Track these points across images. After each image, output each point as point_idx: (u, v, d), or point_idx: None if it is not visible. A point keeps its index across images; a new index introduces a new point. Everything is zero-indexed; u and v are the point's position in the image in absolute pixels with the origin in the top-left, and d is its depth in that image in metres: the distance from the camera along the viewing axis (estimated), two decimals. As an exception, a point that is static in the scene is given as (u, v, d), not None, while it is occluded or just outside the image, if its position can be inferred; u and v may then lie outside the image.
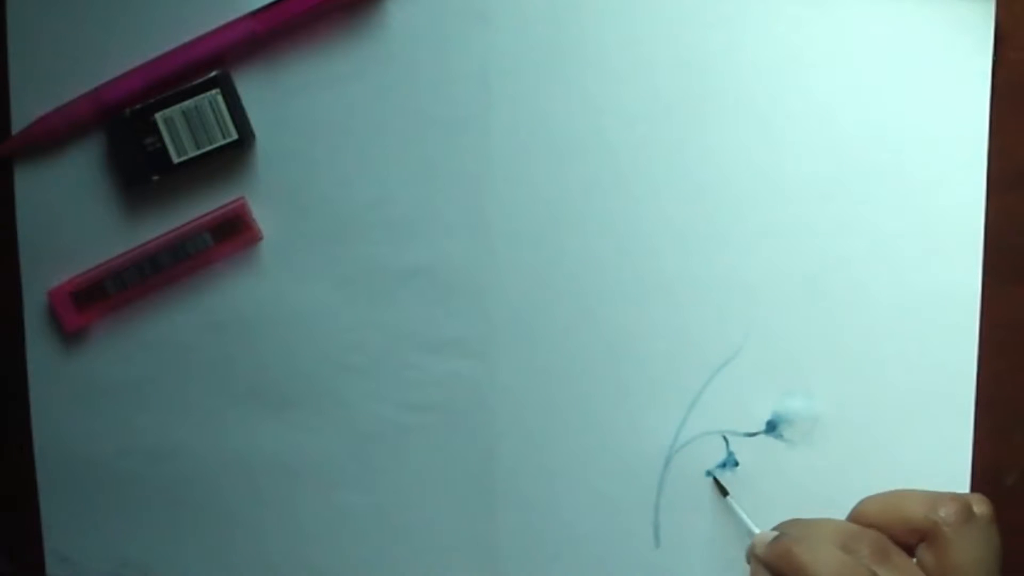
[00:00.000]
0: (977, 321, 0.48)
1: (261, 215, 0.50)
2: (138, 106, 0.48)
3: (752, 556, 0.43)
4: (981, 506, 0.41)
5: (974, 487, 0.48)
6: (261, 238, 0.50)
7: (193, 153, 0.48)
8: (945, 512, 0.40)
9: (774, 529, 0.44)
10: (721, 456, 0.49)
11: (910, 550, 0.41)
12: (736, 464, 0.49)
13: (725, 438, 0.49)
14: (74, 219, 0.50)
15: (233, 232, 0.49)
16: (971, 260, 0.48)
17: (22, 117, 0.49)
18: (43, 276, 0.50)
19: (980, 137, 0.48)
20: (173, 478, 0.51)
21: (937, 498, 0.41)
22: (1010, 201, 0.48)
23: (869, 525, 0.42)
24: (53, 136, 0.49)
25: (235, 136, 0.48)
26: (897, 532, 0.41)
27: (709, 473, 0.49)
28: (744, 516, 0.47)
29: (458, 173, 0.49)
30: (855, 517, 0.43)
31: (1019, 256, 0.48)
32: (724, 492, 0.49)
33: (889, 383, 0.48)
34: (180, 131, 0.48)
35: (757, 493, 0.49)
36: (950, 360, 0.48)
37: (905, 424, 0.48)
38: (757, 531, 0.45)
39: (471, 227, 0.49)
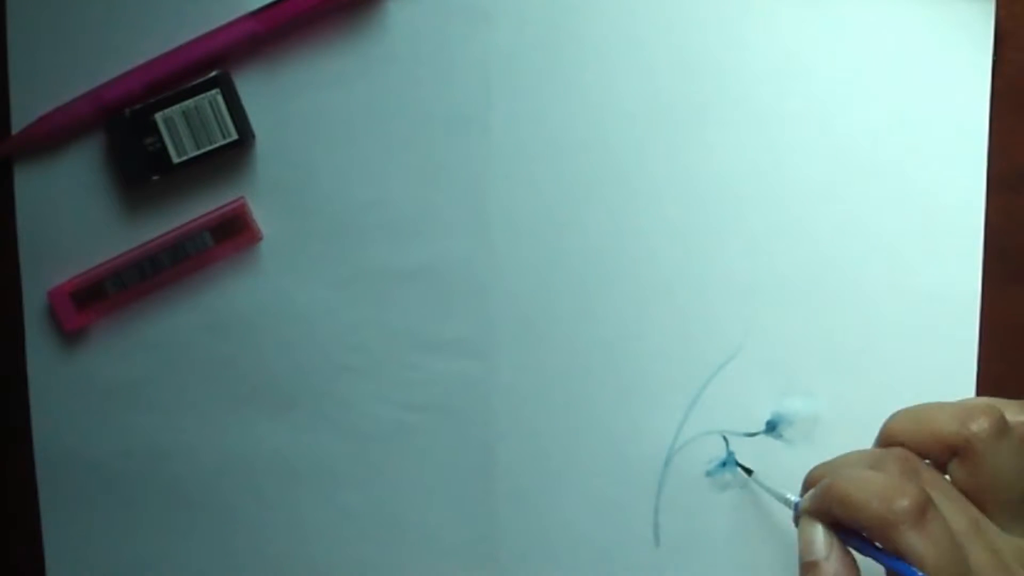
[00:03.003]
0: (977, 321, 0.48)
1: (261, 215, 0.50)
2: (138, 106, 0.48)
3: (800, 517, 0.41)
4: (1017, 414, 0.39)
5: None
6: (261, 238, 0.50)
7: (193, 153, 0.48)
8: (978, 427, 0.38)
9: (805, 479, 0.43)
10: (721, 456, 0.49)
11: (942, 466, 0.40)
12: (736, 464, 0.49)
13: (725, 438, 0.49)
14: (74, 219, 0.50)
15: (233, 232, 0.49)
16: (971, 260, 0.48)
17: (22, 117, 0.49)
18: (43, 276, 0.50)
19: (980, 137, 0.48)
20: (173, 478, 0.51)
21: (969, 411, 0.39)
22: (1010, 201, 0.48)
23: (898, 444, 0.40)
24: (53, 136, 0.49)
25: (235, 136, 0.48)
26: (928, 449, 0.39)
27: (729, 455, 0.49)
28: (774, 489, 0.46)
29: (458, 173, 0.49)
30: (884, 437, 0.41)
31: (1019, 256, 0.48)
32: (748, 472, 0.48)
33: (889, 383, 0.48)
34: (180, 131, 0.48)
35: (757, 493, 0.49)
36: (950, 360, 0.48)
37: (905, 424, 0.49)
38: (789, 493, 0.44)
39: (471, 227, 0.49)
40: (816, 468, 0.43)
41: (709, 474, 0.49)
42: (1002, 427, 0.38)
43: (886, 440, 0.41)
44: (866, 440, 0.48)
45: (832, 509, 0.38)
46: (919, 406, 0.41)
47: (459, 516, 0.50)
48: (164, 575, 0.52)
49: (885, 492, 0.37)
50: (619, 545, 0.50)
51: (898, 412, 0.42)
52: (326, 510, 0.51)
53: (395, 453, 0.51)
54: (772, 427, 0.49)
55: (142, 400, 0.51)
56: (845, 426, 0.49)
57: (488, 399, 0.50)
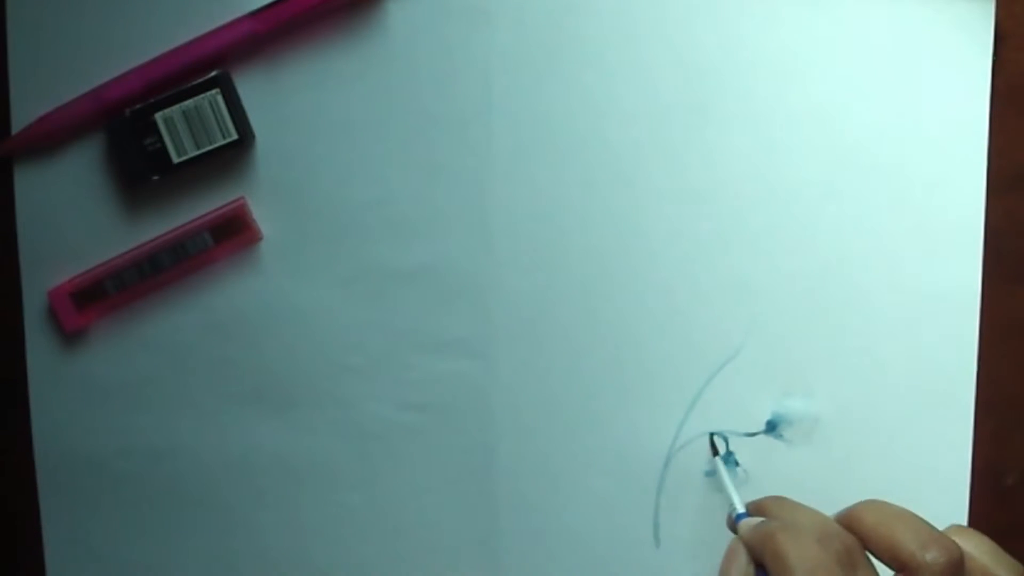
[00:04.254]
0: (977, 321, 0.48)
1: (261, 215, 0.50)
2: (138, 106, 0.48)
3: (736, 533, 0.43)
4: (983, 555, 0.39)
5: (974, 487, 0.48)
6: (261, 238, 0.50)
7: (193, 153, 0.48)
8: (932, 558, 0.37)
9: (761, 499, 0.44)
10: (721, 456, 0.49)
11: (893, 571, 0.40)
12: (736, 464, 0.49)
13: (725, 438, 0.49)
14: (74, 219, 0.50)
15: (233, 232, 0.49)
16: (971, 260, 0.48)
17: (22, 117, 0.49)
18: (43, 276, 0.50)
19: (980, 137, 0.48)
20: (173, 478, 0.51)
21: (932, 539, 0.38)
22: (1010, 201, 0.48)
23: (859, 532, 0.40)
24: (53, 136, 0.49)
25: (235, 136, 0.48)
26: (881, 553, 0.39)
27: (729, 455, 0.49)
28: (728, 482, 0.47)
29: (459, 173, 0.49)
30: (848, 518, 0.41)
31: (1019, 256, 0.48)
32: (715, 452, 0.48)
33: (889, 383, 0.48)
34: (180, 131, 0.48)
35: (757, 493, 0.48)
36: (950, 360, 0.48)
37: (905, 424, 0.49)
38: (737, 500, 0.45)
39: (472, 227, 0.49)
40: (774, 501, 0.44)
41: (709, 474, 0.49)
42: (956, 570, 0.38)
43: (848, 522, 0.41)
44: (865, 441, 0.49)
45: (764, 556, 0.39)
46: (895, 508, 0.40)
47: (459, 516, 0.50)
48: (164, 575, 0.52)
49: (812, 572, 0.37)
50: (619, 545, 0.50)
51: (873, 502, 0.41)
52: (326, 510, 0.51)
53: (395, 453, 0.51)
54: (772, 427, 0.49)
55: (142, 400, 0.51)
56: (845, 426, 0.49)
57: (488, 399, 0.50)
